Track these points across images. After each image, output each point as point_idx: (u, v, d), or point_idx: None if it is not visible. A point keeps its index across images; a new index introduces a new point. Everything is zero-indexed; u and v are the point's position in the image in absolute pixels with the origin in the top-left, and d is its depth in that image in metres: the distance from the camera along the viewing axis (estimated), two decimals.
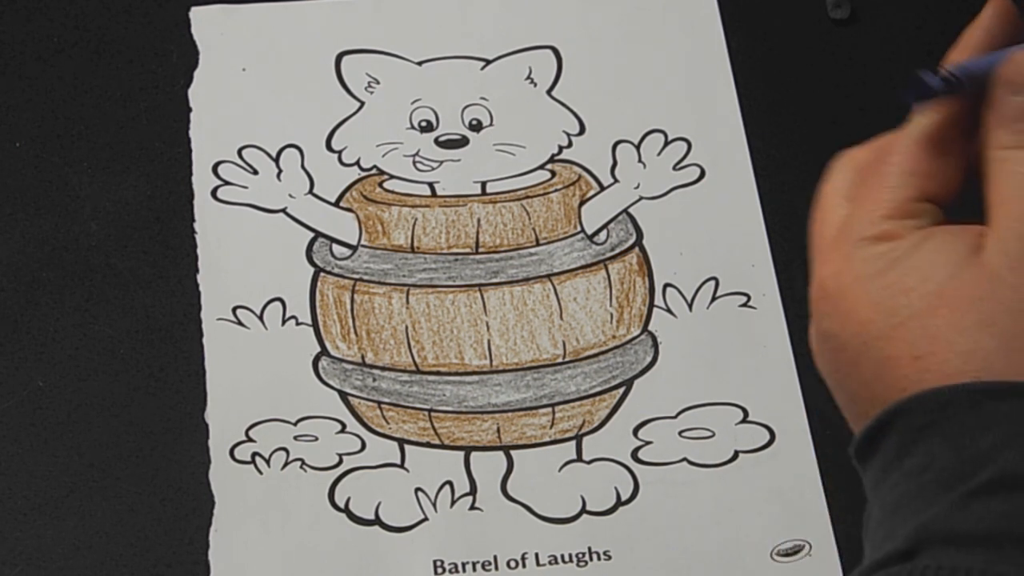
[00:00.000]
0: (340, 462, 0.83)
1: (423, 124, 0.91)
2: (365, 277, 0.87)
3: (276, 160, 0.90)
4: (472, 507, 0.82)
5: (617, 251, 0.88)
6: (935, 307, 0.53)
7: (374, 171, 0.90)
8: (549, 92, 0.93)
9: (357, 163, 0.90)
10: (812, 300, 0.57)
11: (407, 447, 0.83)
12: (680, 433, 0.84)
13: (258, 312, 0.86)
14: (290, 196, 0.89)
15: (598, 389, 0.85)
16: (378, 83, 0.92)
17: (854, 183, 0.57)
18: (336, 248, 0.88)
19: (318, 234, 0.88)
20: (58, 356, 0.84)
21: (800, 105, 0.93)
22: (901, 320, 0.53)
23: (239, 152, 0.90)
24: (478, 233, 0.88)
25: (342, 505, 0.81)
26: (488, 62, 0.93)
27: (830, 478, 0.83)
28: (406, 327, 0.85)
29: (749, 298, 0.87)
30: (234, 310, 0.86)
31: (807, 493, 0.82)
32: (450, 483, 0.82)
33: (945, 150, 0.57)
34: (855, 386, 0.55)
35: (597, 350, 0.86)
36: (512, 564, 0.80)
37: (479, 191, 0.90)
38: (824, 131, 0.92)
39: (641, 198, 0.90)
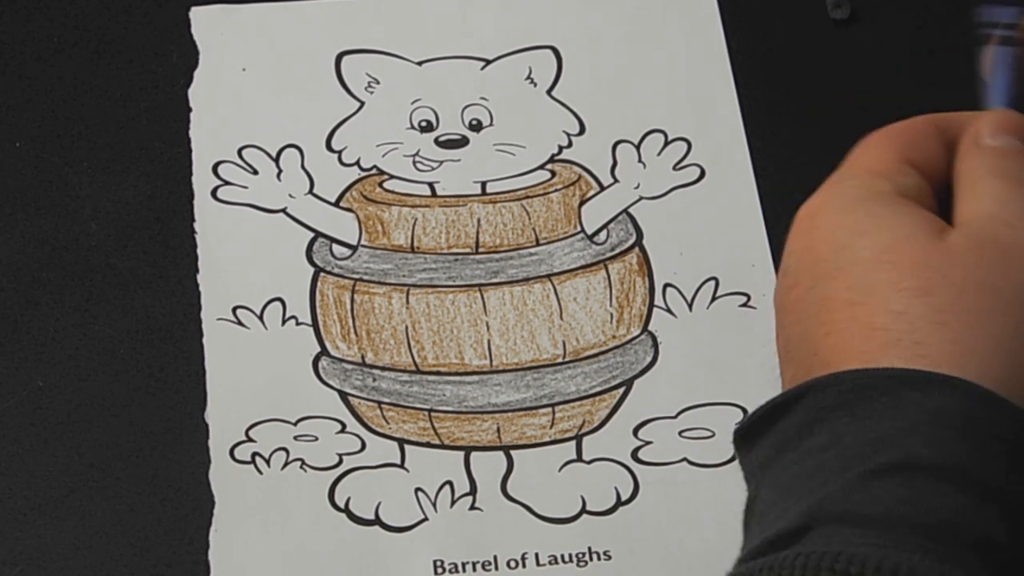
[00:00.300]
0: (340, 462, 0.83)
1: (423, 124, 0.91)
2: (365, 277, 0.87)
3: (276, 160, 0.90)
4: (472, 507, 0.82)
5: (617, 251, 0.88)
6: (881, 261, 0.53)
7: (374, 171, 0.90)
8: (549, 92, 0.93)
9: (357, 163, 0.90)
10: (789, 235, 0.58)
11: (407, 447, 0.83)
12: (680, 433, 0.84)
13: (258, 312, 0.86)
14: (290, 196, 0.89)
15: (598, 389, 0.85)
16: (378, 83, 0.92)
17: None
18: (336, 248, 0.88)
19: (318, 234, 0.88)
20: (58, 356, 0.84)
21: (800, 105, 0.93)
22: (846, 264, 0.54)
23: (239, 152, 0.90)
24: (478, 233, 0.88)
25: (342, 505, 0.81)
26: (488, 62, 0.93)
27: None
28: (406, 327, 0.85)
29: (749, 298, 0.87)
30: (234, 310, 0.86)
31: None
32: (450, 483, 0.82)
33: (936, 137, 0.59)
34: (791, 325, 0.55)
35: (597, 350, 0.86)
36: (512, 564, 0.80)
37: (479, 191, 0.90)
38: (824, 131, 0.92)
39: (641, 198, 0.90)
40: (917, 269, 0.53)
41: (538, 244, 0.88)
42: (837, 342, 0.53)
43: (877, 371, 0.51)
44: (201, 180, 0.89)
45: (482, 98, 0.92)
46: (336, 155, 0.90)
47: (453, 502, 0.82)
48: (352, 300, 0.86)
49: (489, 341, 0.85)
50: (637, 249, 0.88)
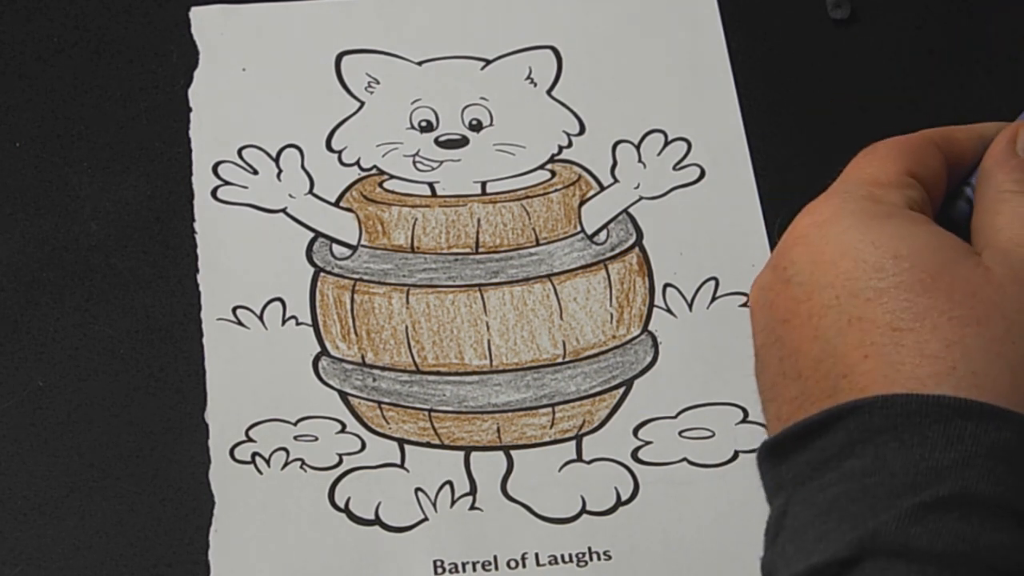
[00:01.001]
0: (340, 462, 0.83)
1: (423, 124, 0.91)
2: (365, 277, 0.87)
3: (276, 160, 0.90)
4: (472, 507, 0.82)
5: (617, 251, 0.88)
6: (927, 287, 0.52)
7: (374, 171, 0.90)
8: (549, 92, 0.93)
9: (357, 163, 0.90)
10: (782, 245, 0.56)
11: (407, 447, 0.83)
12: (680, 433, 0.84)
13: (258, 312, 0.86)
14: (290, 196, 0.89)
15: (598, 389, 0.85)
16: (378, 83, 0.92)
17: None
18: (336, 248, 0.88)
19: (318, 234, 0.88)
20: (58, 356, 0.84)
21: (800, 105, 0.93)
22: (886, 286, 0.53)
23: (239, 152, 0.90)
24: (478, 233, 0.88)
25: (342, 505, 0.81)
26: (488, 62, 0.93)
27: None
28: (406, 327, 0.85)
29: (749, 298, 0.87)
30: (234, 310, 0.86)
31: None
32: (450, 483, 0.82)
33: (935, 152, 0.58)
34: (802, 341, 0.54)
35: (597, 350, 0.86)
36: (512, 564, 0.80)
37: (479, 191, 0.90)
38: (824, 131, 0.92)
39: (641, 198, 0.90)
40: (966, 298, 0.52)
41: (538, 244, 0.88)
42: (879, 366, 0.52)
43: (928, 397, 0.50)
44: (201, 180, 0.89)
45: (482, 98, 0.92)
46: (336, 155, 0.90)
47: (453, 502, 0.82)
48: (352, 300, 0.86)
49: (489, 341, 0.85)
50: (637, 249, 0.88)
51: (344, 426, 0.83)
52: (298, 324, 0.86)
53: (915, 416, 0.50)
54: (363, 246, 0.88)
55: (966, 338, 0.51)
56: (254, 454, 0.82)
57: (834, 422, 0.51)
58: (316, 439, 0.83)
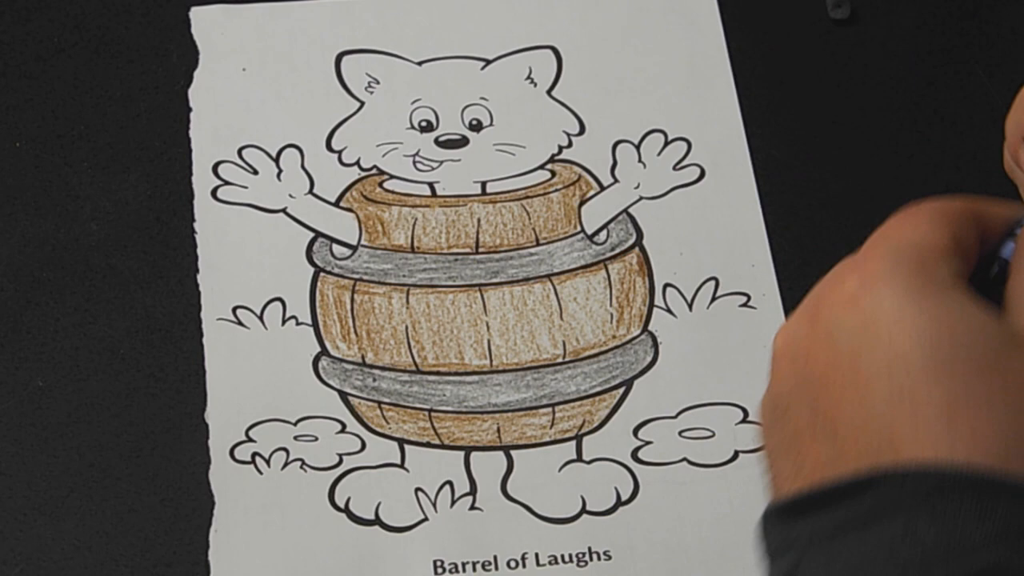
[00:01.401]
0: (340, 462, 0.83)
1: (423, 124, 0.91)
2: (365, 277, 0.87)
3: (276, 160, 0.90)
4: (472, 507, 0.82)
5: (617, 251, 0.88)
6: (984, 371, 0.51)
7: (374, 171, 0.90)
8: (549, 92, 0.93)
9: (357, 163, 0.90)
10: (823, 300, 0.55)
11: (407, 447, 0.83)
12: (680, 433, 0.84)
13: (258, 312, 0.86)
14: (290, 196, 0.89)
15: (598, 389, 0.85)
16: (378, 83, 0.92)
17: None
18: (336, 248, 0.88)
19: (318, 234, 0.88)
20: (58, 356, 0.84)
21: (800, 105, 0.93)
22: (942, 364, 0.52)
23: (239, 152, 0.90)
24: (478, 233, 0.88)
25: (342, 505, 0.81)
26: (488, 62, 0.93)
27: None
28: (406, 327, 0.85)
29: (749, 298, 0.87)
30: (234, 310, 0.86)
31: None
32: (450, 483, 0.82)
33: (974, 225, 0.57)
34: (843, 403, 0.53)
35: (597, 350, 0.86)
36: (512, 564, 0.80)
37: (479, 191, 0.90)
38: (824, 131, 0.92)
39: (641, 198, 0.90)
40: (1021, 388, 0.52)
41: (538, 244, 0.88)
42: (931, 444, 0.51)
43: (965, 470, 0.50)
44: (201, 180, 0.89)
45: (482, 98, 0.92)
46: (336, 155, 0.90)
47: (453, 502, 0.82)
48: (352, 300, 0.86)
49: (489, 341, 0.85)
50: (637, 249, 0.88)
51: (344, 426, 0.83)
52: (298, 324, 0.86)
53: (949, 488, 0.50)
54: (363, 246, 0.88)
55: (1019, 431, 0.51)
56: (254, 454, 0.82)
57: (866, 485, 0.51)
58: (316, 439, 0.83)
